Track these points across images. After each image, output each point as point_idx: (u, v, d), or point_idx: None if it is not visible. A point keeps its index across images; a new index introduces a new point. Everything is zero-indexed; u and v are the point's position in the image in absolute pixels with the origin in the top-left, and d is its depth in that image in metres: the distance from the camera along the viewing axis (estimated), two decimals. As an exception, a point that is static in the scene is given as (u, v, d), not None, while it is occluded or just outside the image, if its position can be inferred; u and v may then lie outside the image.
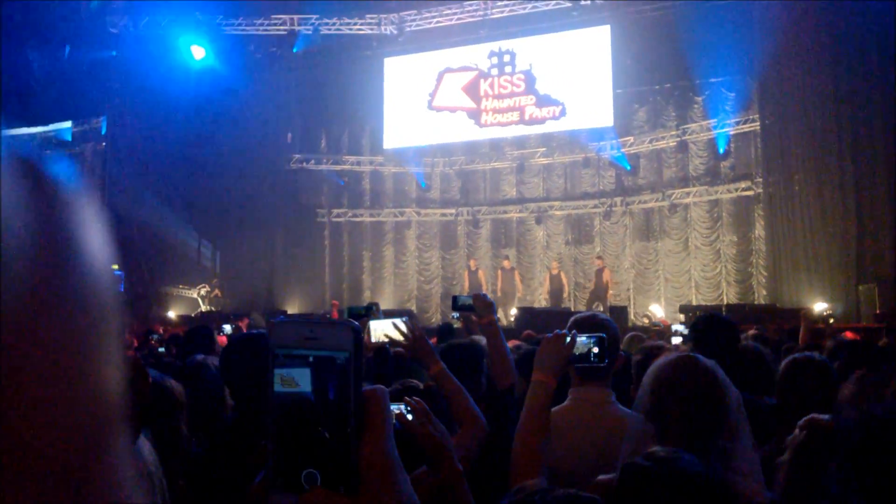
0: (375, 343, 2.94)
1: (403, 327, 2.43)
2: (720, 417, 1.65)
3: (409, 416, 1.65)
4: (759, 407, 2.86)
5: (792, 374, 2.63)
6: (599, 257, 14.62)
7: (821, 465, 1.73)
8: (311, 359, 0.62)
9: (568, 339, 1.95)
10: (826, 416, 1.85)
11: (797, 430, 1.85)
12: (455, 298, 2.97)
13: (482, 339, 2.91)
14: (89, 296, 0.34)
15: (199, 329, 4.66)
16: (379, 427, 0.62)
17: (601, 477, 1.70)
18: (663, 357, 1.81)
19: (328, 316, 12.63)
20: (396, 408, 1.69)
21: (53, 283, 0.32)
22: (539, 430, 1.85)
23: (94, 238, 0.36)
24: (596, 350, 2.03)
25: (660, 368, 1.77)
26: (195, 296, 15.15)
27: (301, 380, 0.62)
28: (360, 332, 0.64)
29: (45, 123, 15.67)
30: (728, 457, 1.60)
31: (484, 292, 2.98)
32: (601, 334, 2.06)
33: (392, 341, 2.63)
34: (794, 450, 1.81)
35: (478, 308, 2.81)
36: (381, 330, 2.82)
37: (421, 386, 2.39)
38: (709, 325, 3.07)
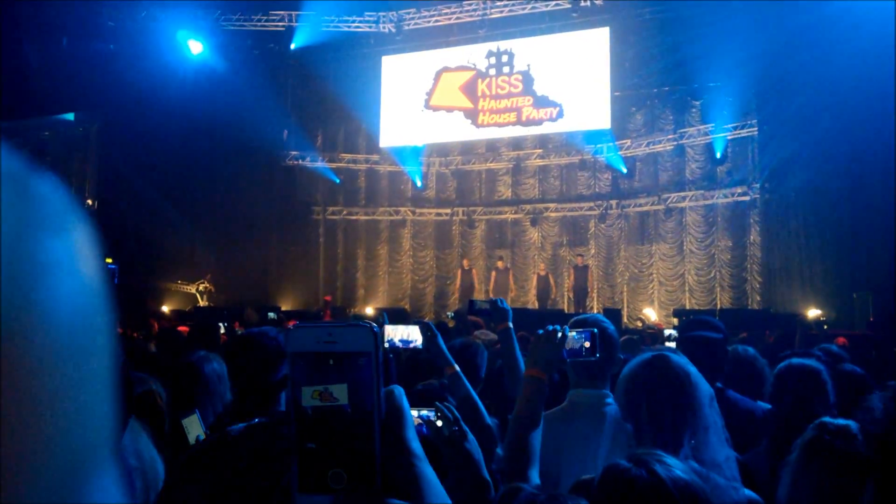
0: (387, 349, 2.96)
1: (413, 333, 2.49)
2: (691, 414, 1.68)
3: (439, 423, 1.64)
4: (745, 409, 2.87)
5: (785, 379, 2.64)
6: (580, 255, 14.67)
7: (827, 466, 1.75)
8: (331, 362, 0.64)
9: (560, 334, 1.96)
10: (837, 421, 1.86)
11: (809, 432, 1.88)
12: (472, 302, 3.02)
13: (487, 335, 2.94)
14: (78, 312, 0.34)
15: (204, 325, 4.67)
16: (399, 423, 0.65)
17: (583, 477, 1.72)
18: (638, 356, 1.84)
19: (321, 315, 12.62)
20: (427, 414, 1.69)
21: (41, 299, 0.32)
22: (532, 424, 1.86)
23: (83, 252, 0.35)
24: (587, 345, 2.04)
25: (633, 368, 1.80)
26: (194, 291, 15.17)
27: (339, 394, 0.64)
28: (379, 333, 0.65)
29: (43, 115, 15.60)
30: (700, 451, 1.63)
31: (501, 297, 3.00)
32: (593, 329, 2.09)
33: (401, 346, 2.68)
34: (802, 449, 1.82)
35: (494, 314, 2.82)
36: (391, 333, 2.84)
37: (438, 386, 2.42)
38: (695, 327, 3.09)
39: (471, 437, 1.64)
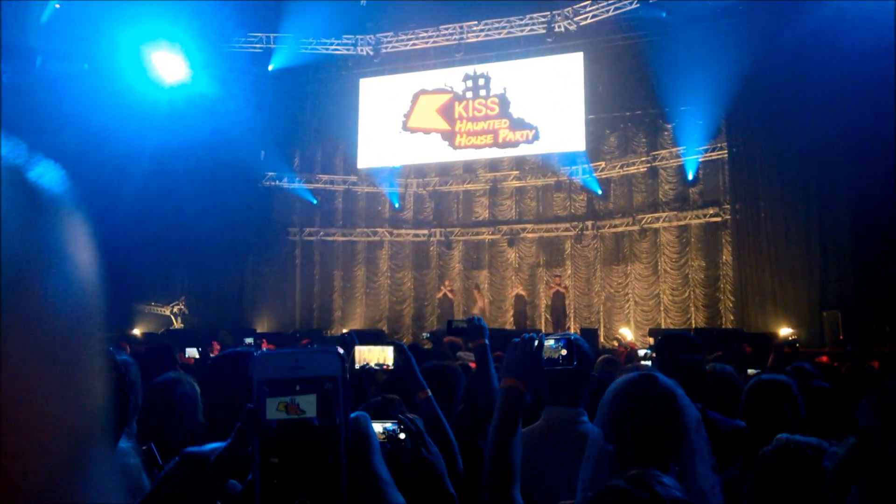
0: (359, 369, 2.94)
1: (391, 356, 2.46)
2: (677, 438, 1.61)
3: (402, 436, 1.62)
4: (725, 429, 2.88)
5: (756, 395, 2.65)
6: (557, 276, 14.81)
7: (787, 482, 1.73)
8: (297, 387, 0.63)
9: (536, 342, 1.87)
10: (794, 437, 1.85)
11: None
12: (449, 322, 3.06)
13: (469, 357, 2.93)
14: (71, 303, 0.34)
15: (159, 347, 4.51)
16: (366, 449, 0.65)
17: (564, 503, 1.66)
18: (624, 375, 1.79)
19: (298, 338, 12.50)
20: (391, 427, 1.65)
21: (36, 290, 0.32)
22: (512, 437, 1.77)
23: (78, 245, 0.36)
24: (564, 352, 1.99)
25: (618, 387, 1.73)
26: (168, 313, 14.93)
27: (307, 406, 0.62)
28: (346, 359, 0.65)
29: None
30: (685, 478, 1.56)
31: (478, 315, 3.04)
32: (569, 335, 2.04)
33: (377, 368, 2.65)
34: (759, 465, 1.80)
35: (469, 331, 2.87)
36: (367, 356, 2.82)
37: (395, 400, 2.39)
38: (672, 344, 3.08)
39: (434, 449, 1.61)
